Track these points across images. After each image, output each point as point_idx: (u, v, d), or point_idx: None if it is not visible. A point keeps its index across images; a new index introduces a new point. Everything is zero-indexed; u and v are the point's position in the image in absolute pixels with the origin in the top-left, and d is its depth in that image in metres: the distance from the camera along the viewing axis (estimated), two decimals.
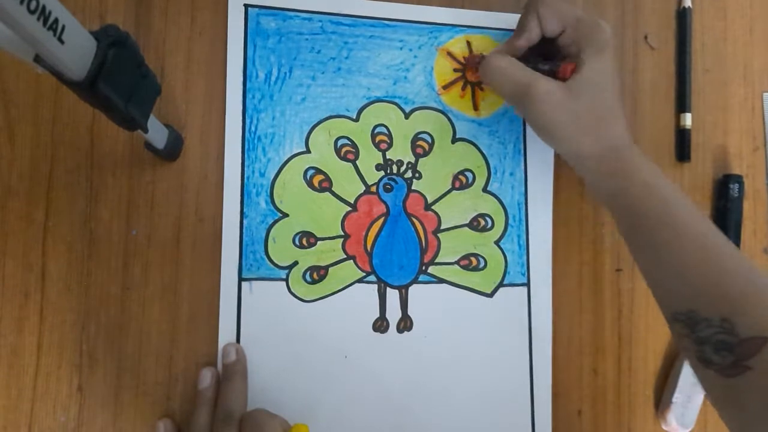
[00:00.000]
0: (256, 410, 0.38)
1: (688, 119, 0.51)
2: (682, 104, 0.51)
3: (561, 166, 0.48)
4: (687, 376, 0.47)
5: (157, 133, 0.39)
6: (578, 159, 0.41)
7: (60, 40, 0.25)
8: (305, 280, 0.44)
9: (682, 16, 0.52)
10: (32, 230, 0.42)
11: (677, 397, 0.46)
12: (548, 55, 0.44)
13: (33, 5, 0.23)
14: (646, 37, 0.51)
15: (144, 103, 0.33)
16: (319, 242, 0.44)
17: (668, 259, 0.37)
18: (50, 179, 0.42)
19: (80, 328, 0.41)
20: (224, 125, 0.44)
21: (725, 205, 0.50)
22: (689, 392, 0.47)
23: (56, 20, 0.24)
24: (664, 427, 0.48)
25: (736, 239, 0.50)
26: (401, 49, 0.47)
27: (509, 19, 0.49)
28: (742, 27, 0.54)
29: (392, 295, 0.45)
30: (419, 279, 0.45)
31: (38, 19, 0.23)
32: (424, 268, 0.46)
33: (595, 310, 0.48)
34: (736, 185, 0.50)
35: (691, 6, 0.52)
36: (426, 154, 0.47)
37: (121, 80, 0.30)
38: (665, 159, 0.51)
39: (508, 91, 0.42)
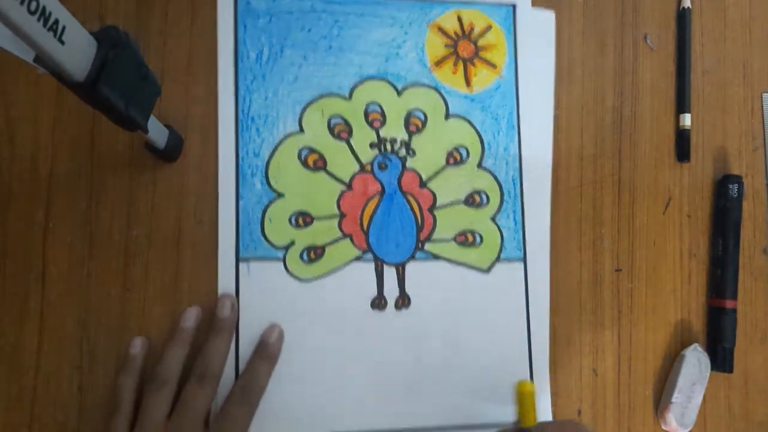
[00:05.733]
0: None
1: (687, 120, 0.51)
2: (681, 105, 0.51)
3: (560, 165, 0.48)
4: (687, 376, 0.47)
5: (157, 133, 0.39)
6: None
7: (60, 41, 0.25)
8: (302, 260, 0.44)
9: (682, 17, 0.52)
10: (33, 231, 0.42)
11: (677, 397, 0.46)
12: None
13: (33, 6, 0.23)
14: (645, 38, 0.51)
15: (144, 103, 0.33)
16: (315, 222, 0.44)
17: None
18: (50, 180, 0.42)
19: (80, 328, 0.41)
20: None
21: (725, 206, 0.50)
22: (689, 392, 0.47)
23: (56, 21, 0.24)
24: (663, 427, 0.48)
25: (736, 239, 0.50)
26: (392, 26, 0.47)
27: None
28: (742, 28, 0.54)
29: (389, 273, 0.45)
30: (416, 256, 0.46)
31: (38, 20, 0.23)
32: (420, 245, 0.46)
33: (595, 310, 0.48)
34: (736, 185, 0.50)
35: (690, 7, 0.52)
36: (419, 131, 0.47)
37: (121, 81, 0.30)
38: (665, 159, 0.51)
39: None
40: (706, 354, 0.48)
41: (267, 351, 0.42)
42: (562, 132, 0.49)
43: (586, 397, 0.47)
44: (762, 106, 0.53)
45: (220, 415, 0.39)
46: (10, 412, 0.40)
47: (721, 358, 0.48)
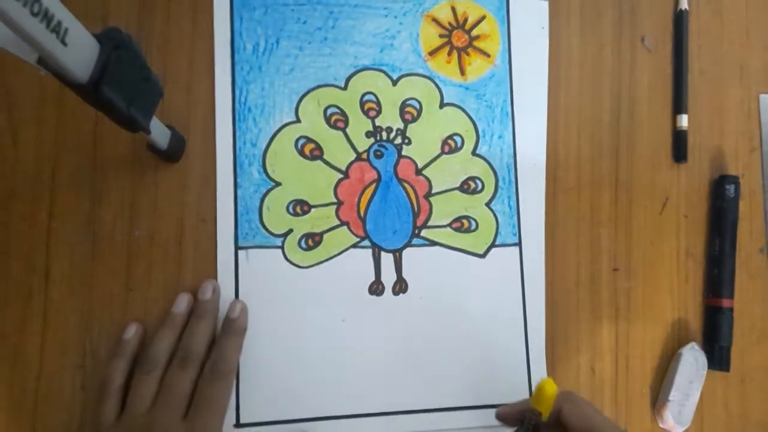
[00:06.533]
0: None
1: (684, 120, 0.51)
2: (678, 105, 0.51)
3: (558, 166, 0.49)
4: (684, 374, 0.47)
5: (159, 134, 0.39)
6: None
7: (63, 42, 0.25)
8: (300, 247, 0.45)
9: (679, 18, 0.52)
10: (36, 231, 0.42)
11: (674, 395, 0.47)
12: None
13: (36, 8, 0.23)
14: (643, 39, 0.52)
15: (146, 105, 0.34)
16: (312, 210, 0.45)
17: None
18: (53, 181, 0.42)
19: (83, 328, 0.42)
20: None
21: (721, 206, 0.50)
22: (686, 390, 0.47)
23: (59, 23, 0.24)
24: (661, 425, 0.48)
25: (733, 239, 0.50)
26: (386, 16, 0.48)
27: None
28: (738, 29, 0.54)
29: (387, 259, 0.46)
30: (413, 242, 0.46)
31: (41, 21, 0.23)
32: (417, 231, 0.46)
33: (593, 309, 0.48)
34: (733, 186, 0.50)
35: (687, 8, 0.52)
36: (415, 119, 0.47)
37: (123, 82, 0.30)
38: (662, 160, 0.51)
39: None
40: (703, 352, 0.48)
41: (232, 326, 0.42)
42: (560, 133, 0.50)
43: (584, 395, 0.47)
44: (758, 107, 0.53)
45: (196, 395, 0.39)
46: (13, 412, 0.41)
47: (717, 357, 0.48)
